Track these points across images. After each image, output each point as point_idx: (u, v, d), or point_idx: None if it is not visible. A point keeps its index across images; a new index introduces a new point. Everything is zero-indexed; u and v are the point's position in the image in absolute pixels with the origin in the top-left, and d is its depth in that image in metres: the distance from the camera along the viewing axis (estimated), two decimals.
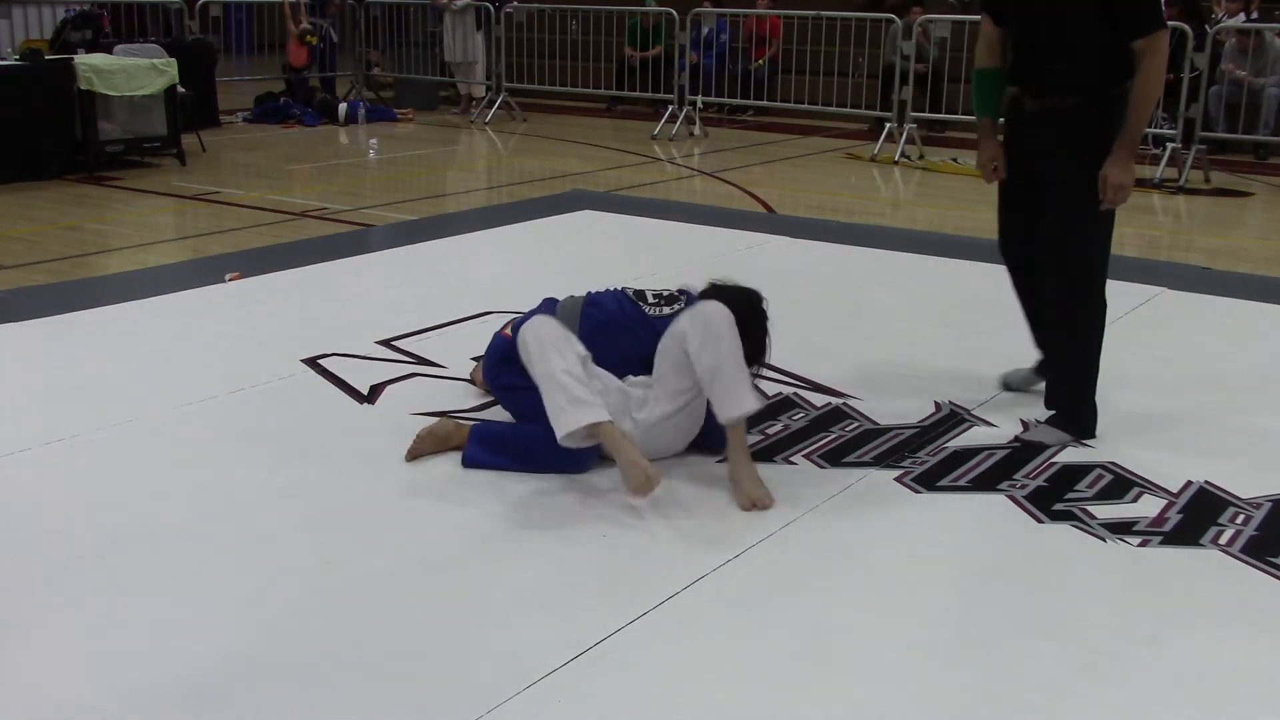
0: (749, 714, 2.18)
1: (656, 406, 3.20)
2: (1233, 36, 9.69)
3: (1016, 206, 3.65)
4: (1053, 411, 3.60)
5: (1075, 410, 3.55)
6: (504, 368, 3.29)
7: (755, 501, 3.00)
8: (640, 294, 3.44)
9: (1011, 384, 3.88)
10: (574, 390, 2.98)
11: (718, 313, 3.10)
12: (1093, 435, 3.51)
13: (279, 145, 10.06)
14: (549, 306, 3.43)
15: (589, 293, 3.49)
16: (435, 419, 3.44)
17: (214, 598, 2.55)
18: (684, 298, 3.40)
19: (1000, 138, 3.63)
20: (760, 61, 11.85)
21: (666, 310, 3.33)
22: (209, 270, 5.33)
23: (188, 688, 2.22)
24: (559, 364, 3.02)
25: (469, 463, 3.21)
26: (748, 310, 3.30)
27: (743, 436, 3.10)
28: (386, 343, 4.29)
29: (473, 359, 3.99)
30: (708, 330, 3.06)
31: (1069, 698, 2.23)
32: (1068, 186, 3.43)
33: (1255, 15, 9.90)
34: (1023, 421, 3.62)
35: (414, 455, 3.28)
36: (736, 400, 3.04)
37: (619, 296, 3.43)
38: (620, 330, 3.32)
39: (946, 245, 4.96)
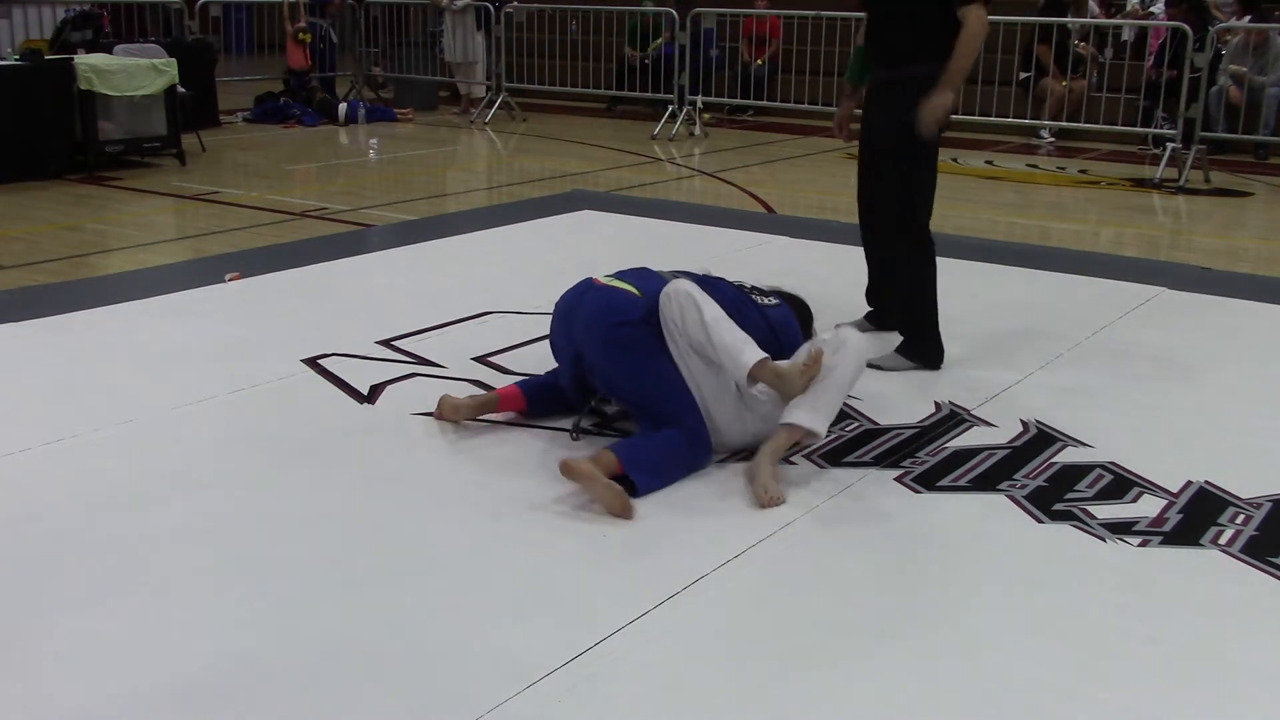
0: (749, 714, 2.18)
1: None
2: (1235, 36, 9.70)
3: (861, 166, 4.23)
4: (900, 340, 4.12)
5: (922, 342, 4.07)
6: (638, 328, 3.20)
7: (773, 499, 3.02)
8: (724, 282, 3.55)
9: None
10: (738, 331, 3.15)
11: (863, 344, 3.33)
12: (938, 366, 4.04)
13: (279, 145, 10.06)
14: (650, 277, 3.40)
15: (687, 273, 3.52)
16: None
17: (214, 597, 2.55)
18: (775, 295, 3.61)
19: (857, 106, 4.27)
20: (760, 61, 11.85)
21: (773, 301, 3.55)
22: (209, 270, 5.33)
23: (188, 688, 2.22)
24: (718, 310, 3.17)
25: (645, 491, 3.04)
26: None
27: (787, 444, 3.18)
28: (386, 343, 4.29)
29: (474, 359, 3.98)
30: (854, 353, 3.26)
31: (1069, 698, 2.23)
32: (893, 138, 3.92)
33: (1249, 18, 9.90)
34: (1022, 422, 3.62)
35: (451, 416, 3.48)
36: (820, 417, 3.18)
37: (724, 281, 3.54)
38: (741, 313, 3.34)
39: (946, 245, 4.94)
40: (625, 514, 2.91)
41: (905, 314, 4.14)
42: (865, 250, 4.41)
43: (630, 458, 3.05)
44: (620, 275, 3.42)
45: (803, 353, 3.30)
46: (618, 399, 3.40)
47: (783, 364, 3.20)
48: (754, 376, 3.12)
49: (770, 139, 10.88)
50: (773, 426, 3.21)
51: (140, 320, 4.60)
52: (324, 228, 6.57)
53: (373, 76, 13.20)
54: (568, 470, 2.97)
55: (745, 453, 3.32)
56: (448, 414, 3.52)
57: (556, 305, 3.45)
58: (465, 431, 3.47)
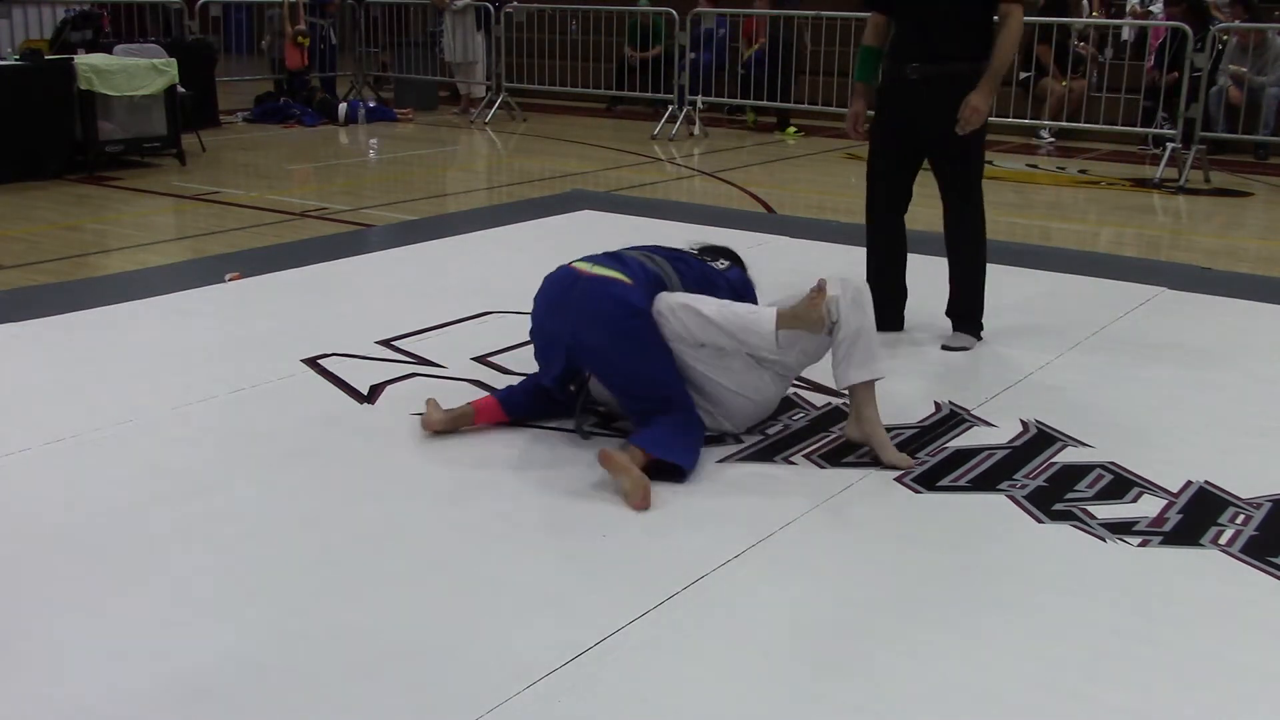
0: (749, 714, 2.18)
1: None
2: (1234, 36, 9.70)
3: (893, 160, 4.37)
4: (955, 319, 4.39)
5: (977, 313, 4.38)
6: (644, 321, 3.26)
7: (908, 462, 3.25)
8: (682, 252, 3.61)
9: None
10: (739, 307, 3.28)
11: (865, 285, 3.40)
12: (981, 330, 4.39)
13: (279, 145, 10.06)
14: (626, 259, 3.42)
15: (657, 247, 3.58)
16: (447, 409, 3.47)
17: (213, 597, 2.55)
18: (715, 256, 3.68)
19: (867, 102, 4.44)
20: (753, 48, 11.70)
21: (724, 264, 3.63)
22: (209, 270, 5.33)
23: (188, 688, 2.22)
24: (712, 302, 3.29)
25: (692, 469, 3.17)
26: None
27: (874, 400, 3.31)
28: (386, 343, 4.29)
29: (474, 359, 3.98)
30: (858, 296, 3.31)
31: (1069, 698, 2.23)
32: (956, 136, 4.15)
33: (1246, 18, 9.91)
34: (1022, 422, 3.62)
35: (426, 424, 3.43)
36: (874, 363, 3.29)
37: (687, 254, 3.61)
38: (710, 284, 3.47)
39: (937, 243, 4.97)
40: (644, 504, 2.97)
41: (976, 295, 4.38)
42: (882, 241, 4.46)
43: (664, 446, 3.13)
44: (597, 261, 3.40)
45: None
46: (614, 387, 3.38)
47: (794, 305, 3.28)
48: (778, 336, 3.24)
49: (770, 139, 10.88)
50: (789, 378, 3.47)
51: (140, 320, 4.60)
52: (324, 228, 6.57)
53: (378, 76, 13.20)
54: (607, 460, 3.04)
55: (745, 453, 3.32)
56: (426, 425, 3.47)
57: (537, 297, 3.42)
58: (465, 432, 3.47)
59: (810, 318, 3.25)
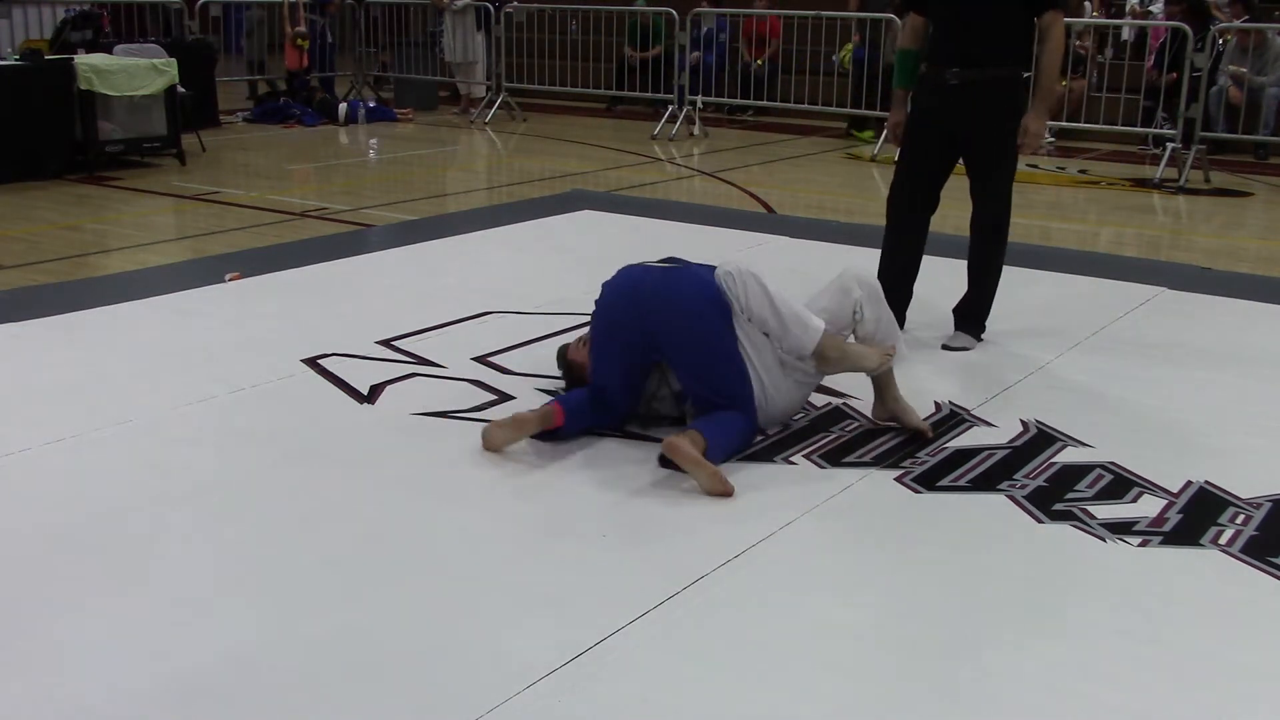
0: (748, 714, 2.18)
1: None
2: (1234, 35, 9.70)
3: (926, 164, 4.33)
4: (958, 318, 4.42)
5: (982, 315, 4.41)
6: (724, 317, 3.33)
7: (930, 432, 3.45)
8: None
9: None
10: (795, 301, 3.39)
11: (876, 280, 3.57)
12: (983, 331, 4.41)
13: (279, 145, 10.06)
14: (687, 264, 3.50)
15: (673, 259, 3.66)
16: (508, 418, 3.34)
17: (214, 598, 2.55)
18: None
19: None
20: (760, 61, 11.84)
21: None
22: (209, 270, 5.33)
23: (188, 688, 2.22)
24: (776, 285, 3.38)
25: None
26: None
27: (895, 381, 3.52)
28: (386, 343, 4.29)
29: (474, 359, 3.98)
30: (874, 292, 3.50)
31: (1069, 698, 2.23)
32: (995, 141, 4.21)
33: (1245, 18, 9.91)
34: (1022, 422, 3.62)
35: (495, 445, 3.30)
36: (897, 343, 3.54)
37: (685, 261, 3.66)
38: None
39: (946, 245, 4.96)
40: (728, 492, 3.04)
41: (986, 297, 4.40)
42: (901, 243, 4.44)
43: (721, 450, 3.18)
44: (662, 261, 3.49)
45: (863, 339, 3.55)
46: (689, 371, 3.34)
47: (850, 343, 3.48)
48: (819, 345, 3.33)
49: (770, 139, 10.88)
50: (806, 390, 3.51)
51: (140, 320, 4.60)
52: (324, 228, 6.57)
53: (378, 76, 13.19)
54: (673, 450, 3.07)
55: (745, 453, 3.32)
56: (504, 439, 3.31)
57: (607, 296, 3.45)
58: (465, 432, 3.47)
59: (864, 365, 3.44)
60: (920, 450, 3.39)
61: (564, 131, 11.11)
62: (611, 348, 3.42)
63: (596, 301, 3.49)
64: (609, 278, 3.52)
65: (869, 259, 4.43)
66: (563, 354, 3.78)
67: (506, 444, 3.31)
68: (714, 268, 3.41)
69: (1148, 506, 3.06)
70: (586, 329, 3.80)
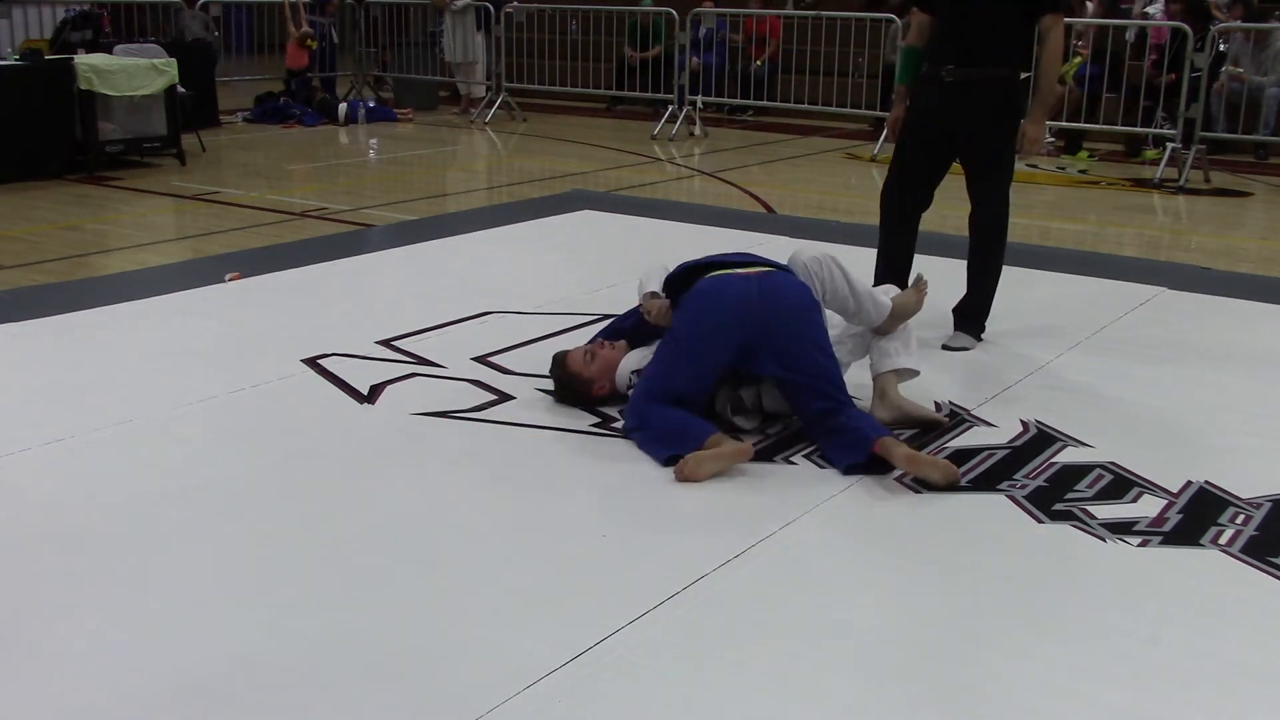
0: (749, 714, 2.18)
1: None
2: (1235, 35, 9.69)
3: (921, 161, 4.34)
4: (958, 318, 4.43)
5: (982, 315, 4.41)
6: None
7: (935, 418, 3.55)
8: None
9: None
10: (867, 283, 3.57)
11: (806, 249, 3.61)
12: (982, 331, 4.41)
13: (279, 145, 10.06)
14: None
15: (747, 254, 3.63)
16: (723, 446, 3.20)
17: (214, 597, 2.55)
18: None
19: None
20: (760, 62, 11.84)
21: None
22: (209, 270, 5.33)
23: (188, 688, 2.22)
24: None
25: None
26: None
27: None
28: (386, 343, 4.29)
29: (474, 359, 3.98)
30: (817, 259, 3.52)
31: (1069, 698, 2.23)
32: (992, 141, 4.23)
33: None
34: (1022, 422, 3.62)
35: (699, 476, 3.13)
36: (916, 355, 3.69)
37: (755, 255, 3.68)
38: None
39: (946, 245, 4.97)
40: (957, 478, 3.12)
41: (985, 297, 4.42)
42: (896, 242, 4.46)
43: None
44: (743, 259, 3.47)
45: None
46: (791, 372, 3.29)
47: (894, 297, 3.62)
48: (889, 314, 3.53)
49: (770, 139, 10.88)
50: (857, 358, 3.64)
51: (140, 320, 4.60)
52: (324, 228, 6.57)
53: (378, 76, 13.19)
54: (887, 451, 3.13)
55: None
56: (698, 475, 3.15)
57: (699, 304, 3.31)
58: (465, 432, 3.47)
59: (910, 310, 3.62)
60: (921, 450, 3.39)
61: (564, 131, 11.11)
62: (706, 361, 3.30)
63: (679, 316, 3.34)
64: (687, 293, 3.35)
65: (869, 259, 4.43)
66: (560, 363, 3.66)
67: (710, 475, 3.15)
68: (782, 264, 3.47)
69: (1148, 506, 3.06)
70: (586, 340, 3.80)
